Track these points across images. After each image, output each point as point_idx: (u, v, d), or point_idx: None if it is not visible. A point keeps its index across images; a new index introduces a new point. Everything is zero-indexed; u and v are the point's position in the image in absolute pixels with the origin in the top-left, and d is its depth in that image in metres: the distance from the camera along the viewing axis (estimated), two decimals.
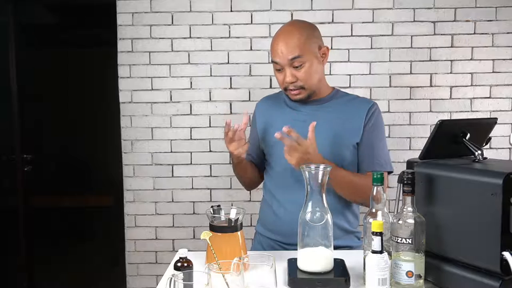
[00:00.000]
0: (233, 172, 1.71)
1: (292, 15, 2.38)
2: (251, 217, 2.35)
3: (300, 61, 1.46)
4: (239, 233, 1.22)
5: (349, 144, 1.52)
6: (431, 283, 1.09)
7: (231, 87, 2.45)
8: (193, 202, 2.48)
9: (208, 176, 2.48)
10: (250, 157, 1.70)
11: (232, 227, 1.21)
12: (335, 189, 1.47)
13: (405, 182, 1.05)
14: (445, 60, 2.41)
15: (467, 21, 2.39)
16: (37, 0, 3.48)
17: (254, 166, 1.70)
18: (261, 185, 1.75)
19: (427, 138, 1.16)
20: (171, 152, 2.48)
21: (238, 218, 1.22)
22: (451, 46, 2.41)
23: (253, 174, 1.70)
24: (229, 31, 2.42)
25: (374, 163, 1.50)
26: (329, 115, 1.54)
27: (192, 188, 2.48)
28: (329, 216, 1.13)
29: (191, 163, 2.47)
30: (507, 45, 2.40)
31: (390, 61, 2.41)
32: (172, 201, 2.49)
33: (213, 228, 1.21)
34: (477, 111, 2.42)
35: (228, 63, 2.44)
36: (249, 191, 2.42)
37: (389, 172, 1.55)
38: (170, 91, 2.45)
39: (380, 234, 0.99)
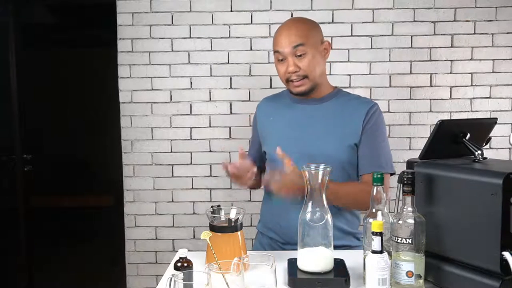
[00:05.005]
0: None
1: (292, 15, 2.38)
2: (251, 217, 2.35)
3: (302, 50, 1.46)
4: (239, 233, 1.22)
5: (347, 144, 1.51)
6: (431, 283, 1.09)
7: (231, 87, 2.45)
8: (193, 202, 2.48)
9: (208, 176, 2.47)
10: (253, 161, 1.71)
11: (232, 227, 1.21)
12: (335, 203, 1.45)
13: (405, 182, 1.05)
14: (445, 60, 2.41)
15: (467, 21, 2.39)
16: (37, 0, 3.49)
17: (258, 173, 1.71)
18: None
19: (427, 138, 1.16)
20: (171, 152, 2.47)
21: (238, 218, 1.22)
22: (451, 46, 2.41)
23: (256, 180, 1.65)
24: (229, 31, 2.42)
25: (374, 165, 1.49)
26: (329, 115, 1.53)
27: (192, 188, 2.48)
28: (329, 216, 1.13)
29: (191, 163, 2.47)
30: (507, 45, 2.40)
31: (390, 61, 2.41)
32: (172, 201, 2.49)
33: (213, 228, 1.21)
34: (477, 111, 2.42)
35: (228, 63, 2.43)
36: (249, 191, 2.43)
37: (391, 174, 1.54)
38: (170, 91, 2.45)
39: (380, 234, 0.99)
